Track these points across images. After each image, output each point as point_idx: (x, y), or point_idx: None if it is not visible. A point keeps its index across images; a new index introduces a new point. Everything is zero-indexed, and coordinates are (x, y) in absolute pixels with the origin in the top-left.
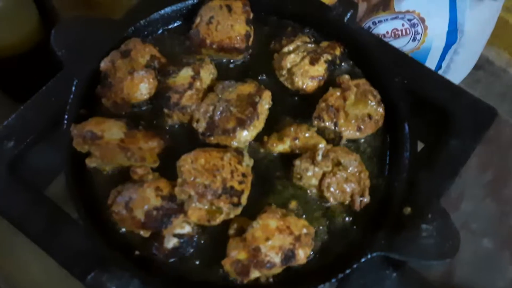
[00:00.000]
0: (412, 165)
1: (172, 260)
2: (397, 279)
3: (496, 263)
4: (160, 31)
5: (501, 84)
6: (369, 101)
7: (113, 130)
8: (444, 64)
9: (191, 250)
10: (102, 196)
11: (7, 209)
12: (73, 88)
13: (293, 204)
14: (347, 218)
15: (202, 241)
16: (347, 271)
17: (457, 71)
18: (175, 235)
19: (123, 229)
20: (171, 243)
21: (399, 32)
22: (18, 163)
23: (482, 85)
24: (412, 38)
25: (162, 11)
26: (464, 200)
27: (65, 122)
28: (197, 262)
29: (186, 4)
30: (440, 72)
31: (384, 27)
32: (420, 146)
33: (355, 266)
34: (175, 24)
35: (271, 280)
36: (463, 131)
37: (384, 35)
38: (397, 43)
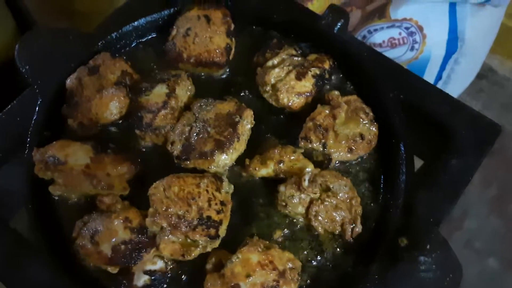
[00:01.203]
0: (409, 189)
1: None
2: None
3: (503, 285)
4: (133, 44)
5: (505, 94)
6: (361, 120)
7: (78, 155)
8: (444, 74)
9: (164, 286)
10: (67, 227)
11: None
12: (37, 108)
13: (277, 234)
14: (337, 249)
15: (176, 278)
16: None
17: (458, 81)
18: (146, 272)
19: (90, 264)
20: (141, 280)
21: (396, 41)
22: None
23: (485, 94)
24: (410, 47)
25: (136, 23)
26: (467, 217)
27: (27, 145)
28: None
29: (162, 14)
30: (440, 82)
31: (380, 36)
32: (417, 162)
33: None
34: (150, 37)
35: None
36: (465, 149)
37: (380, 44)
38: (394, 53)
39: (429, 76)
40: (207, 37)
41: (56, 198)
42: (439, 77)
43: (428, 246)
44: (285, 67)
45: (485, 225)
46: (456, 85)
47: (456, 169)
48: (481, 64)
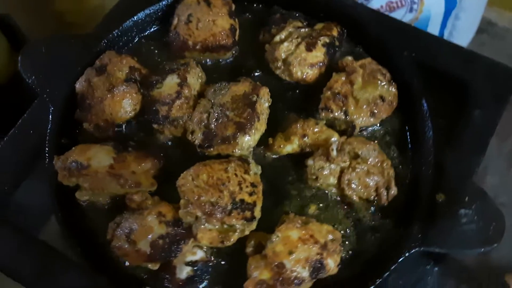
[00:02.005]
0: (437, 145)
1: None
2: (439, 273)
3: None
4: (136, 40)
5: (507, 45)
6: (379, 82)
7: (100, 157)
8: (446, 32)
9: (208, 277)
10: (100, 231)
11: None
12: (50, 116)
13: (312, 209)
14: (375, 215)
15: (219, 265)
16: (385, 275)
17: (460, 37)
18: (188, 263)
19: (127, 264)
20: (184, 272)
21: (394, 4)
22: (4, 208)
23: (488, 48)
24: (409, 8)
25: (135, 17)
26: (488, 173)
27: (47, 155)
28: None
29: (160, 5)
30: None
31: (377, 1)
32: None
33: (392, 268)
34: (152, 30)
35: None
36: (485, 99)
37: (378, 10)
38: (393, 16)
39: None
40: (210, 20)
41: (84, 203)
42: (441, 35)
43: (466, 199)
44: (293, 40)
45: (507, 180)
46: (458, 41)
47: (480, 120)
48: (480, 17)
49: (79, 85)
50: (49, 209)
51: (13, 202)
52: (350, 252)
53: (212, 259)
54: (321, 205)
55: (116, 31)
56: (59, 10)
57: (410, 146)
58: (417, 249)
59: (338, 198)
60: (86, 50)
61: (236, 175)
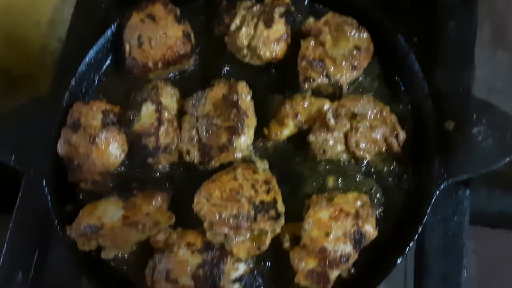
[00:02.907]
0: (427, 72)
1: None
2: (471, 193)
3: None
4: (96, 80)
5: None
6: (348, 32)
7: (110, 212)
8: None
9: (258, 285)
10: (137, 280)
11: None
12: (45, 190)
13: (330, 182)
14: (392, 166)
15: (264, 270)
16: (424, 220)
17: None
18: (234, 281)
19: None
20: None
21: None
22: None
23: None
24: None
25: (87, 59)
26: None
27: (58, 229)
28: None
29: (106, 36)
30: None
31: None
32: None
33: (428, 210)
34: (107, 64)
35: (353, 271)
36: (455, 8)
37: None
38: None
39: None
40: (161, 35)
41: (112, 260)
42: None
43: (474, 116)
44: (249, 23)
45: (496, 64)
46: None
47: (457, 31)
48: None
49: (60, 149)
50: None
51: (41, 281)
52: (382, 210)
53: (255, 267)
54: (338, 175)
55: (73, 79)
56: (4, 67)
57: (401, 84)
58: (445, 184)
59: (352, 162)
60: (52, 111)
61: (246, 179)
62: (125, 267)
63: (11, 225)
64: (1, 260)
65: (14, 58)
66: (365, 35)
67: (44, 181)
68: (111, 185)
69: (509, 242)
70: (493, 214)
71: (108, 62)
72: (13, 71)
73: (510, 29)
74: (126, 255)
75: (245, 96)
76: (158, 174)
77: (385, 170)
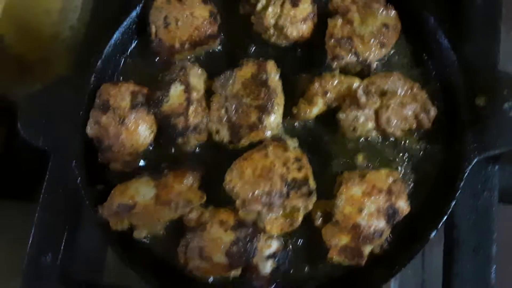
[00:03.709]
0: (455, 49)
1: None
2: (501, 166)
3: None
4: (122, 62)
5: None
6: (376, 10)
7: (142, 191)
8: None
9: (291, 262)
10: (169, 258)
11: None
12: (76, 171)
13: (360, 159)
14: (422, 142)
15: (297, 247)
16: (457, 195)
17: None
18: (268, 257)
19: (211, 279)
20: (267, 267)
21: None
22: (66, 269)
23: None
24: None
25: (112, 41)
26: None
27: (90, 209)
28: (306, 269)
29: (131, 18)
30: None
31: None
32: None
33: (461, 185)
34: (133, 46)
35: (385, 246)
36: None
37: None
38: None
39: None
40: (188, 15)
41: (145, 240)
42: None
43: (505, 92)
44: (276, 2)
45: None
46: None
47: (483, 5)
48: None
49: (90, 130)
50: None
51: (71, 261)
52: (413, 186)
53: (288, 243)
54: (367, 152)
55: (100, 62)
56: (18, 54)
57: (430, 63)
58: (477, 159)
59: (382, 139)
60: (79, 93)
61: (278, 157)
62: (157, 246)
63: (38, 208)
64: (30, 242)
65: (26, 46)
66: (392, 12)
67: (74, 162)
68: (141, 165)
69: None
70: None
71: (133, 44)
72: (25, 58)
73: None
74: (158, 235)
75: (274, 75)
76: (189, 153)
77: (415, 147)
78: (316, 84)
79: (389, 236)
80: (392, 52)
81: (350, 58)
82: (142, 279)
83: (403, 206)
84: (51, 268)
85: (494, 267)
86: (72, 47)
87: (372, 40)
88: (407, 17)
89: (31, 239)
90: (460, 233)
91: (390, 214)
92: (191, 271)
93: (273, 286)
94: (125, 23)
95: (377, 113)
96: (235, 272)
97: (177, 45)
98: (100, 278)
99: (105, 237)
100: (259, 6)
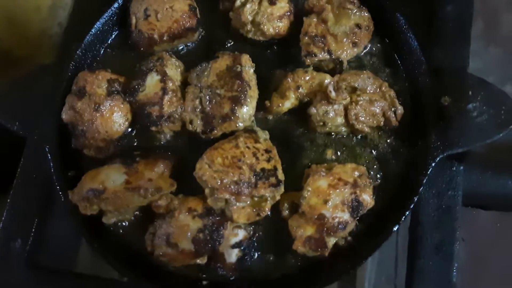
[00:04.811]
0: (425, 51)
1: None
2: (465, 169)
3: None
4: (101, 52)
5: None
6: (350, 11)
7: (112, 177)
8: None
9: (256, 251)
10: (137, 245)
11: None
12: (48, 155)
13: (329, 154)
14: (389, 139)
15: (262, 237)
16: (420, 190)
17: None
18: (234, 246)
19: (175, 267)
20: (233, 256)
21: None
22: (35, 256)
23: None
24: None
25: (93, 30)
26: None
27: (60, 193)
28: (271, 259)
29: (112, 9)
30: None
31: None
32: None
33: (424, 181)
34: (113, 36)
35: (349, 238)
36: None
37: None
38: None
39: None
40: (168, 8)
41: (113, 225)
42: None
43: (470, 93)
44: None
45: (488, 58)
46: None
47: (454, 14)
48: None
49: (65, 115)
50: (78, 244)
51: (42, 248)
52: (379, 181)
53: (254, 233)
54: (336, 147)
55: (79, 50)
56: (4, 49)
57: (399, 62)
58: (441, 155)
59: (350, 135)
60: (57, 79)
61: (248, 147)
62: (125, 233)
63: (11, 192)
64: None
65: (14, 41)
66: (366, 13)
67: (48, 147)
68: (113, 152)
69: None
70: (485, 194)
71: (113, 35)
72: (12, 53)
73: (502, 24)
74: (127, 222)
75: (248, 68)
76: (161, 143)
77: (382, 143)
78: (289, 79)
79: (354, 229)
80: (364, 51)
81: (323, 55)
82: (110, 265)
83: (367, 199)
84: (20, 254)
85: (455, 265)
86: (59, 44)
87: (345, 39)
88: (379, 18)
89: (1, 224)
90: (424, 230)
91: (355, 206)
92: (158, 257)
93: (238, 274)
94: (106, 13)
95: (346, 109)
96: (201, 260)
97: (156, 36)
98: (73, 267)
99: (74, 222)
100: (238, 2)
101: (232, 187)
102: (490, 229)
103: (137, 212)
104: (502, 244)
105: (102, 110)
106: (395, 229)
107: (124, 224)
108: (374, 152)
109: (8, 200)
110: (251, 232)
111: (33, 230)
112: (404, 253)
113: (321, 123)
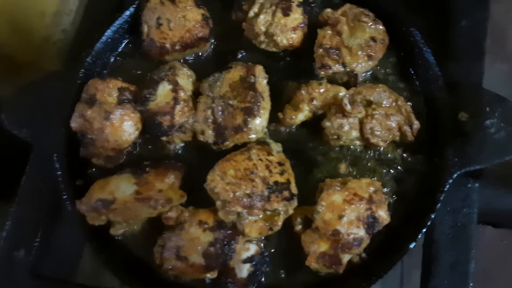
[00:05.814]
0: (441, 65)
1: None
2: (480, 187)
3: None
4: (112, 60)
5: None
6: (365, 24)
7: (122, 187)
8: None
9: (268, 266)
10: (144, 257)
11: None
12: (56, 164)
13: (343, 168)
14: (405, 154)
15: (274, 252)
16: (437, 206)
17: None
18: (245, 261)
19: (186, 280)
20: (244, 271)
21: None
22: (38, 266)
23: None
24: None
25: (104, 38)
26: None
27: (68, 203)
28: (283, 275)
29: (124, 17)
30: None
31: None
32: None
33: (441, 198)
34: (123, 45)
35: (364, 255)
36: (467, 7)
37: None
38: None
39: None
40: (180, 17)
41: (120, 237)
42: None
43: (488, 108)
44: (268, 10)
45: (494, 74)
46: None
47: (469, 29)
48: None
49: (74, 123)
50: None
51: (54, 258)
52: (394, 197)
53: (266, 248)
54: (350, 161)
55: (89, 58)
56: (8, 55)
57: (415, 77)
58: (458, 172)
59: (365, 149)
60: (67, 87)
61: (261, 159)
62: (134, 245)
63: (16, 200)
64: (3, 236)
65: (18, 47)
66: (381, 26)
67: (56, 155)
68: (123, 161)
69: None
70: (498, 211)
71: (124, 43)
72: (16, 58)
73: (509, 41)
74: (135, 233)
75: (262, 79)
76: (172, 153)
77: (398, 158)
78: (303, 91)
79: (369, 246)
80: (378, 65)
81: (337, 67)
82: (117, 277)
83: (383, 215)
84: (23, 264)
85: (471, 284)
86: (63, 51)
87: (360, 52)
88: (395, 32)
89: (5, 233)
90: (438, 248)
91: (370, 223)
92: (167, 271)
93: None
94: (117, 21)
95: (361, 123)
96: (212, 274)
97: (168, 45)
98: (74, 277)
99: (81, 232)
100: (251, 13)
101: (245, 200)
102: (496, 246)
103: (144, 223)
104: (509, 261)
105: (112, 119)
106: (411, 246)
107: (131, 235)
108: (389, 167)
109: (12, 209)
110: (263, 247)
111: (37, 239)
112: (409, 272)
113: (335, 137)
